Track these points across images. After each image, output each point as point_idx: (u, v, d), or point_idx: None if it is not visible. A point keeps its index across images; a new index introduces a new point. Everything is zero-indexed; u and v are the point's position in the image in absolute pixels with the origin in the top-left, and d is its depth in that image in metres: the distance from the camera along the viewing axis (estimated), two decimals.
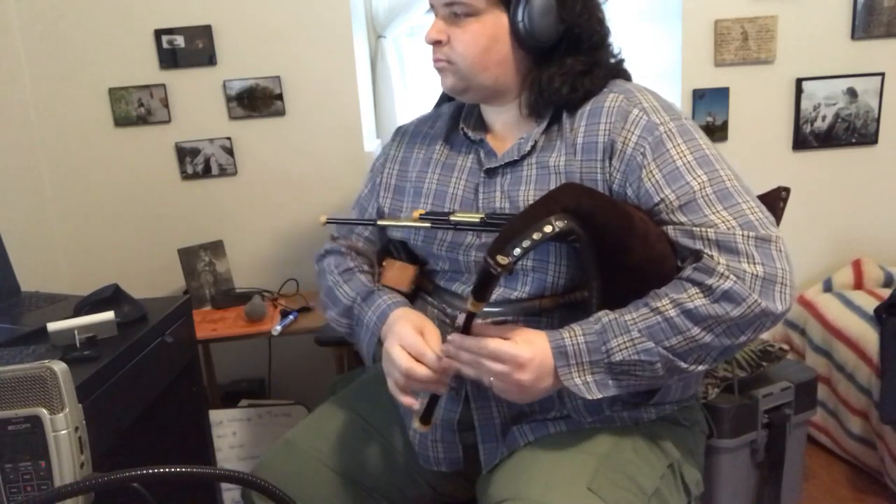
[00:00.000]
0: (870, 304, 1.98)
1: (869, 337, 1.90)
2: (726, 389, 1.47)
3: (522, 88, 1.05)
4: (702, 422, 1.14)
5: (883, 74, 2.27)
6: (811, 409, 1.59)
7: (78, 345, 1.21)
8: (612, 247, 0.90)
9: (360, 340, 1.13)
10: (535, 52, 1.02)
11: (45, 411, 0.72)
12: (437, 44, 1.04)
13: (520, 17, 0.99)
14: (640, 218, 0.92)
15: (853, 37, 2.25)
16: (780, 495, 1.53)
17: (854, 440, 1.98)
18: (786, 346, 1.61)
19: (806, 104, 2.29)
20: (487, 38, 1.01)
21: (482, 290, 0.86)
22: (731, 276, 0.86)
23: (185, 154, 2.24)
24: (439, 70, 1.07)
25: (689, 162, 0.94)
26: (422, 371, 0.95)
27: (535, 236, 0.85)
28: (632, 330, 0.89)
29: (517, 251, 0.84)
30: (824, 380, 2.04)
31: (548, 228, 0.85)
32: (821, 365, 2.06)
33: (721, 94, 2.27)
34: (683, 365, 0.90)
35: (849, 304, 2.08)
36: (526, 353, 0.89)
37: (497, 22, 1.01)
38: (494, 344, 0.89)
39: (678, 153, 0.94)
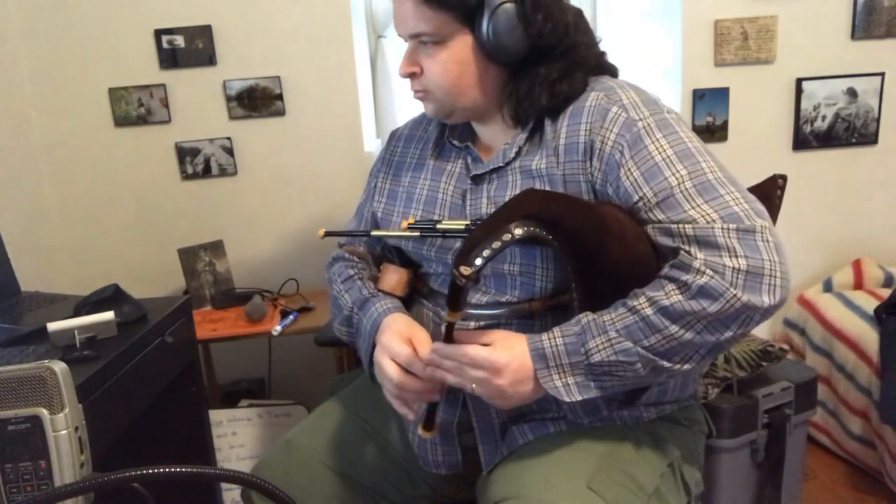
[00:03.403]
0: (870, 304, 1.98)
1: (869, 337, 1.90)
2: (726, 389, 1.47)
3: (502, 101, 1.04)
4: (701, 421, 1.14)
5: (883, 74, 2.27)
6: (811, 409, 1.59)
7: (78, 345, 1.21)
8: (586, 249, 0.89)
9: (360, 350, 1.14)
10: (507, 66, 1.02)
11: (45, 411, 0.72)
12: (411, 76, 1.05)
13: (484, 37, 0.98)
14: (615, 218, 0.91)
15: (853, 37, 2.25)
16: (780, 495, 1.52)
17: (854, 440, 1.98)
18: (786, 346, 1.61)
19: (806, 104, 2.29)
20: (458, 64, 1.01)
21: (454, 301, 0.87)
22: (708, 270, 0.84)
23: (185, 154, 2.24)
24: (420, 100, 1.08)
25: (668, 157, 0.92)
26: (413, 383, 0.96)
27: (495, 245, 0.85)
28: (609, 330, 0.88)
29: (479, 261, 0.84)
30: (824, 380, 2.04)
31: (506, 236, 0.85)
32: (821, 365, 2.06)
33: (721, 94, 2.27)
34: (667, 364, 0.88)
35: (849, 304, 2.08)
36: (502, 357, 0.89)
37: (464, 45, 1.00)
38: (472, 350, 0.89)
39: (657, 148, 0.93)
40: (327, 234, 1.18)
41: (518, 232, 0.86)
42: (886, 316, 1.87)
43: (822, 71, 2.27)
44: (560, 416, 1.01)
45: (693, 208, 0.88)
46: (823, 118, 2.30)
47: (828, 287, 2.26)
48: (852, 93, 2.29)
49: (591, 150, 0.96)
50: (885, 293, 2.02)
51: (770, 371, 1.55)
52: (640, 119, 0.95)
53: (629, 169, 0.93)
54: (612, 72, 1.08)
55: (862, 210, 2.38)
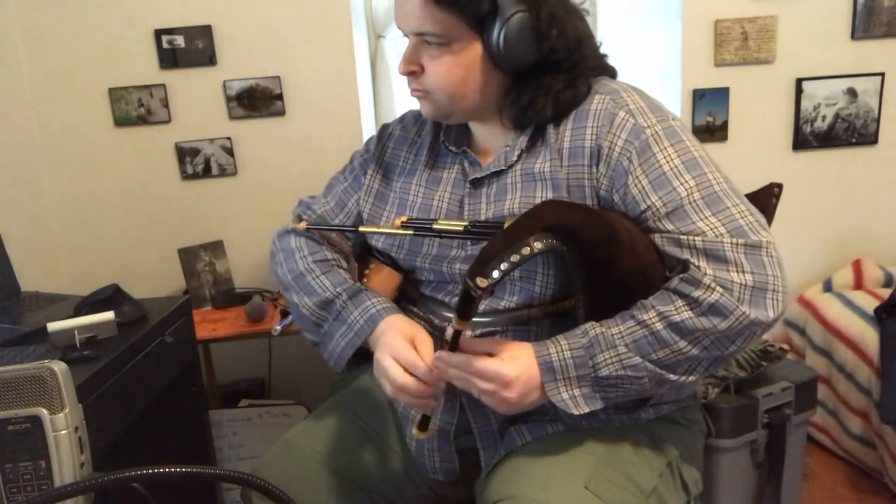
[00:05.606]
0: (870, 304, 1.98)
1: (869, 337, 1.90)
2: (726, 389, 1.48)
3: (503, 106, 1.02)
4: (700, 421, 1.14)
5: (883, 74, 2.27)
6: (811, 409, 1.59)
7: (78, 345, 1.21)
8: (598, 259, 0.89)
9: (332, 337, 1.09)
10: (512, 73, 1.00)
11: (45, 411, 0.72)
12: (411, 74, 1.01)
13: (494, 45, 0.95)
14: (625, 228, 0.91)
15: (853, 37, 2.25)
16: (780, 495, 1.52)
17: (854, 440, 1.98)
18: (786, 346, 1.61)
19: (806, 104, 2.29)
20: (463, 69, 0.98)
21: (465, 310, 0.85)
22: (718, 287, 0.85)
23: (185, 154, 2.24)
24: (418, 99, 1.04)
25: (676, 166, 0.92)
26: (414, 385, 0.93)
27: (514, 258, 0.84)
28: (618, 345, 0.88)
29: (496, 273, 0.83)
30: (824, 380, 2.04)
31: (525, 251, 0.85)
32: (821, 365, 2.06)
33: (721, 94, 2.27)
34: (672, 377, 0.90)
35: (849, 304, 2.08)
36: (512, 371, 0.88)
37: (471, 50, 0.97)
38: (480, 363, 0.88)
39: (665, 157, 0.92)
40: (310, 227, 1.14)
41: (538, 246, 0.85)
42: (886, 316, 1.87)
43: (822, 71, 2.27)
44: (558, 417, 1.00)
45: (702, 220, 0.89)
46: (823, 118, 2.30)
47: (828, 287, 2.26)
48: (852, 93, 2.29)
49: (597, 155, 0.95)
50: (885, 293, 2.02)
51: (770, 371, 1.55)
52: (648, 126, 0.94)
53: (637, 177, 0.93)
54: (611, 73, 1.07)
55: (862, 210, 2.38)
